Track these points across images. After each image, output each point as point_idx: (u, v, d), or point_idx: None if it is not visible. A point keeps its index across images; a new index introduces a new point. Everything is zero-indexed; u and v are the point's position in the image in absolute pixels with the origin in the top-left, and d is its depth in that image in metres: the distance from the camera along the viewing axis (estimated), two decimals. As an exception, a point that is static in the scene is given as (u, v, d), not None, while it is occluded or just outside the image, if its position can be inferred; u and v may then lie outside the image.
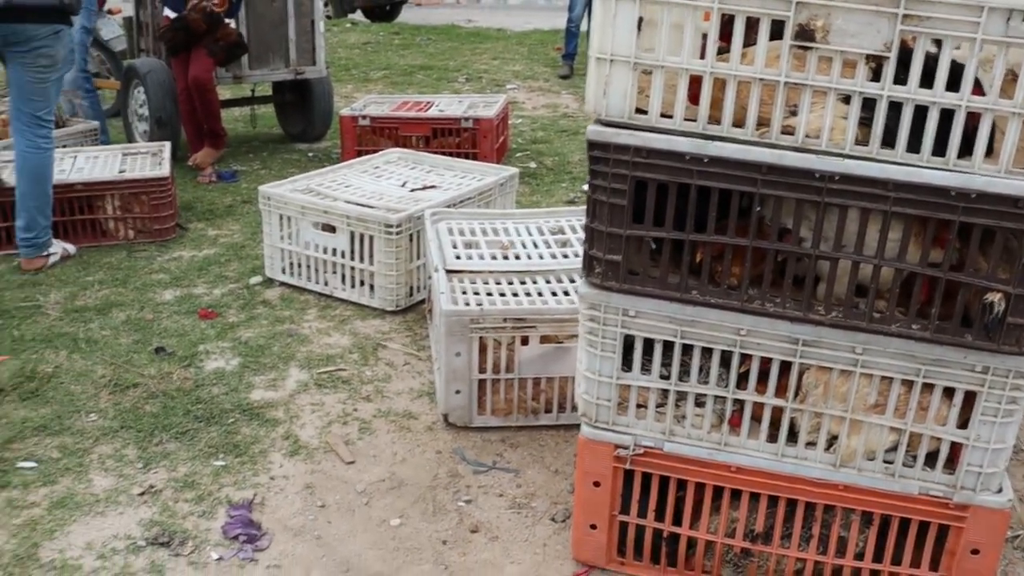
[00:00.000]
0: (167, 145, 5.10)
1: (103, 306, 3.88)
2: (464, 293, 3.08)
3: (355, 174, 4.38)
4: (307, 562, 2.42)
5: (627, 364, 2.21)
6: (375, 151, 5.68)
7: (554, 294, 3.11)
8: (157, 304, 3.92)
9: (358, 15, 14.68)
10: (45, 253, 4.29)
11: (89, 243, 4.57)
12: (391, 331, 3.68)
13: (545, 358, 2.96)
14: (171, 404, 3.11)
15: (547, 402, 3.02)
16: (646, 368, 2.21)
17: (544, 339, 2.95)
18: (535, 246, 3.50)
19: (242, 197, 5.40)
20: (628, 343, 2.19)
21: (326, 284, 3.95)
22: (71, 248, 4.44)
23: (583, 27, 9.26)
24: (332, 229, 3.83)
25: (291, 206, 3.93)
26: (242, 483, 2.72)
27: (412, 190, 4.13)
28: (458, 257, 3.33)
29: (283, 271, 4.07)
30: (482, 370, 2.95)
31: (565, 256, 3.41)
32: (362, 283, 3.86)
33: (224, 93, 6.94)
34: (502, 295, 3.11)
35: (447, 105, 6.15)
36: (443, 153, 5.52)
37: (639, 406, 2.24)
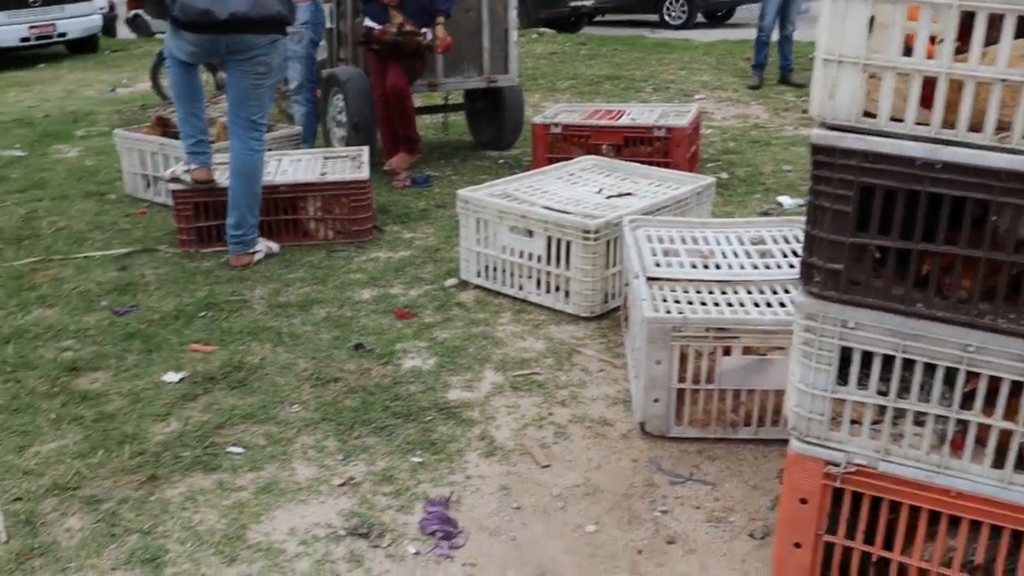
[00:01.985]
0: (366, 149, 5.24)
1: (304, 303, 4.00)
2: (664, 301, 3.02)
3: (551, 180, 4.38)
4: (502, 563, 2.40)
5: (843, 378, 2.10)
6: (566, 159, 5.68)
7: (756, 305, 3.01)
8: (355, 302, 4.01)
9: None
10: (252, 250, 4.46)
11: (291, 242, 4.73)
12: (585, 337, 3.65)
13: (747, 370, 2.87)
14: (370, 399, 3.17)
15: (747, 415, 2.92)
16: (863, 383, 2.09)
17: (746, 350, 2.86)
18: (735, 255, 3.40)
19: (435, 201, 5.49)
20: (845, 356, 2.09)
21: (520, 288, 3.96)
22: (275, 246, 4.61)
23: (773, 37, 9.06)
24: (529, 234, 3.84)
25: (488, 210, 3.95)
26: (439, 480, 2.74)
27: (608, 197, 4.09)
28: (657, 264, 3.27)
29: (478, 274, 4.10)
30: (681, 379, 2.88)
31: (767, 267, 3.30)
32: (557, 288, 3.84)
33: (416, 101, 7.10)
34: (703, 304, 3.03)
35: (639, 114, 6.09)
36: (635, 162, 5.47)
37: (853, 422, 2.13)
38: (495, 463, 2.83)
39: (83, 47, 14.88)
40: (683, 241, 3.52)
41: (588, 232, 3.65)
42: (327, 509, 2.61)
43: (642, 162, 5.46)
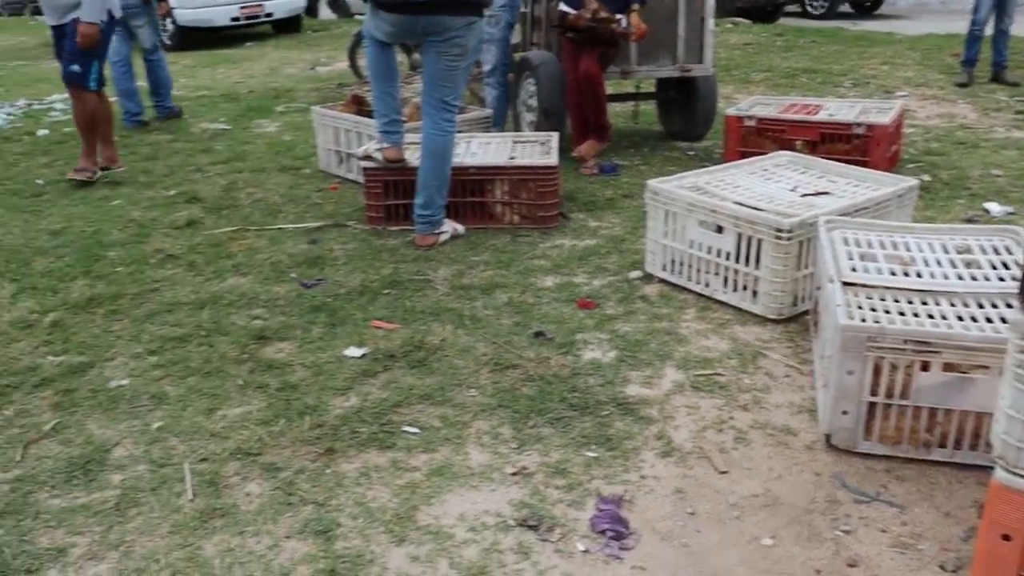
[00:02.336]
0: (555, 135, 5.21)
1: (487, 286, 4.00)
2: (860, 308, 2.86)
3: (743, 175, 4.24)
4: (673, 569, 2.32)
5: (1063, 406, 1.93)
6: (758, 153, 5.50)
7: (960, 319, 2.81)
8: (538, 289, 3.98)
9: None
10: (437, 231, 4.50)
11: (476, 225, 4.75)
12: (772, 340, 3.51)
13: (946, 387, 2.68)
14: (547, 389, 3.13)
15: (942, 436, 2.73)
16: (1088, 412, 1.91)
17: (947, 367, 2.67)
18: (938, 264, 3.19)
19: (623, 191, 5.41)
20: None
21: (707, 285, 3.84)
22: (460, 228, 4.64)
23: (987, 31, 8.54)
24: (719, 229, 3.72)
25: (678, 203, 3.85)
26: (612, 478, 2.67)
27: (803, 195, 3.92)
28: (854, 269, 3.10)
29: (663, 268, 4.01)
30: (874, 393, 2.72)
31: (973, 278, 3.08)
32: (745, 287, 3.71)
33: (607, 88, 7.03)
34: (901, 314, 2.85)
35: (837, 109, 5.84)
36: (831, 159, 5.24)
37: (1073, 455, 1.95)
38: (671, 464, 2.74)
39: (287, 27, 15.49)
40: (882, 246, 3.33)
41: (781, 231, 3.50)
42: (498, 497, 2.59)
43: (839, 160, 5.25)
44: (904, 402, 2.71)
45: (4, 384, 3.33)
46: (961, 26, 9.08)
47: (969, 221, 4.85)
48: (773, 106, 6.00)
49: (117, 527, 2.51)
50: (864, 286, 3.02)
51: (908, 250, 3.32)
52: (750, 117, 5.71)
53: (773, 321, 3.63)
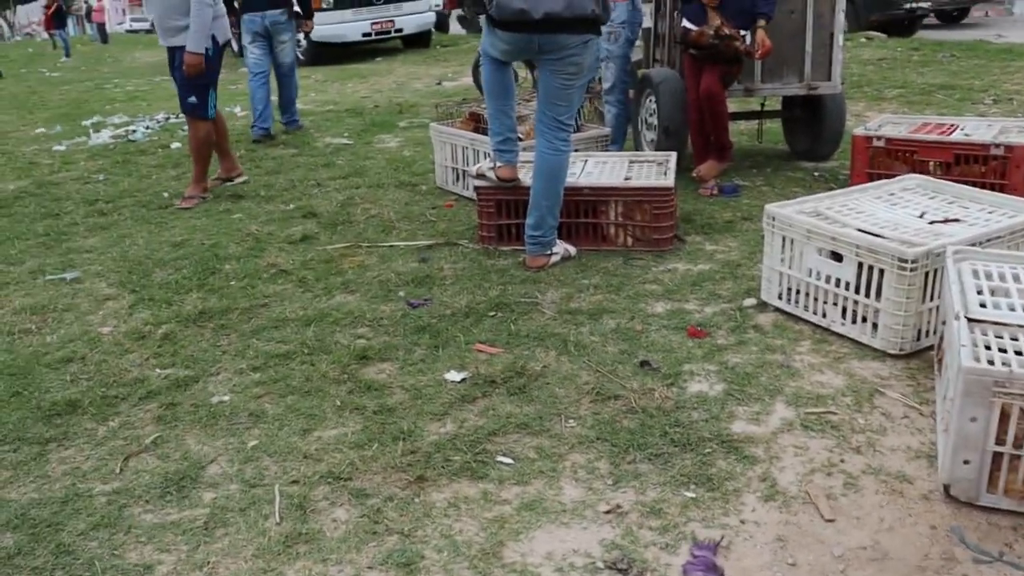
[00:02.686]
0: (673, 155, 5.07)
1: (595, 311, 3.91)
2: (988, 348, 2.66)
3: (868, 199, 4.03)
4: (772, 623, 2.19)
5: None
6: (888, 174, 5.27)
7: (1104, 365, 2.60)
8: (647, 315, 3.87)
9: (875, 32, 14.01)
10: (548, 252, 4.43)
11: (589, 246, 4.65)
12: (891, 377, 3.31)
13: (1083, 438, 2.47)
14: (649, 422, 3.01)
15: (1077, 492, 2.52)
16: None
17: (1084, 417, 2.46)
18: (1082, 303, 2.96)
19: (742, 213, 5.24)
20: None
21: (824, 316, 3.66)
22: (572, 250, 4.55)
23: None
24: (839, 258, 3.54)
25: (796, 228, 3.68)
26: (710, 521, 2.54)
27: (931, 222, 3.71)
28: (983, 305, 2.90)
29: (779, 296, 3.84)
30: (1000, 441, 2.52)
31: (1119, 319, 2.84)
32: (864, 319, 3.52)
33: (731, 105, 6.85)
34: (1034, 357, 2.65)
35: (974, 129, 5.54)
36: (965, 182, 4.97)
37: None
38: (774, 509, 2.59)
39: (417, 42, 15.71)
40: (1016, 279, 3.11)
41: (905, 261, 3.30)
42: (589, 536, 2.49)
43: (974, 183, 4.98)
44: (1034, 453, 2.51)
45: (113, 395, 3.40)
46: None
47: (1117, 251, 4.53)
48: (904, 125, 5.74)
49: (203, 547, 2.51)
50: (994, 323, 2.82)
51: (1047, 286, 3.09)
52: (879, 137, 5.47)
53: (893, 356, 3.42)
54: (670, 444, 2.89)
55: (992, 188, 5.01)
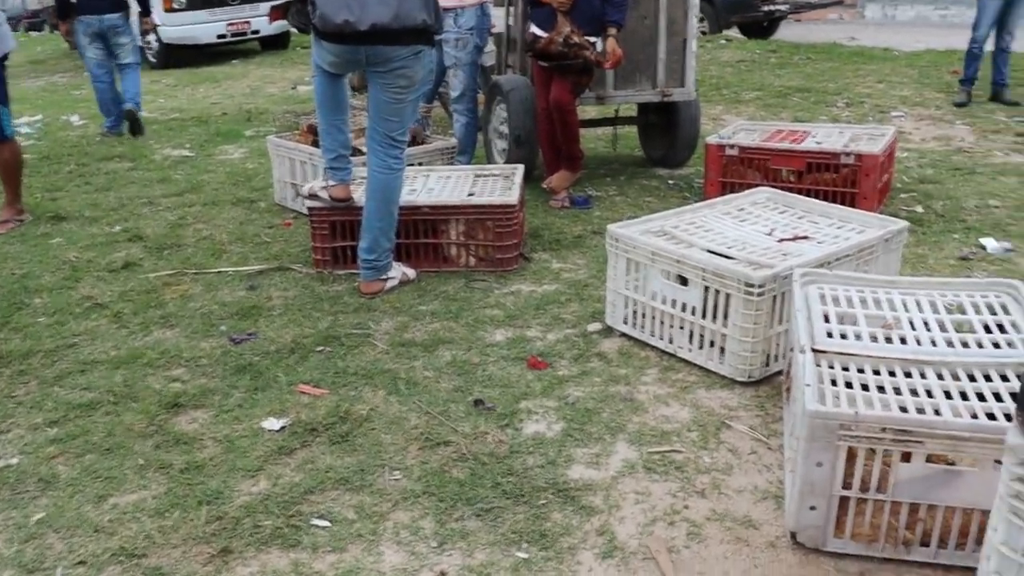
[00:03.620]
0: (520, 169, 4.84)
1: (431, 342, 3.64)
2: (834, 384, 2.50)
3: (716, 216, 3.87)
4: None
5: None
6: (741, 182, 5.18)
7: (948, 396, 2.45)
8: (486, 345, 3.61)
9: (734, 31, 14.10)
10: (384, 277, 4.14)
11: (429, 268, 4.38)
12: (739, 407, 3.14)
13: (929, 481, 2.31)
14: (480, 471, 2.76)
15: (924, 534, 2.36)
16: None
17: (931, 457, 2.30)
18: (926, 327, 2.82)
19: (593, 227, 5.03)
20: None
21: (671, 342, 3.47)
22: (411, 273, 4.27)
23: (987, 48, 8.17)
24: (684, 281, 3.35)
25: (640, 250, 3.49)
26: (544, 585, 2.31)
27: (780, 240, 3.56)
28: (830, 334, 2.74)
29: (625, 321, 3.64)
30: (846, 485, 2.35)
31: (964, 345, 2.71)
32: (712, 344, 3.34)
33: (589, 112, 6.68)
34: (881, 390, 2.49)
35: (825, 136, 5.48)
36: (818, 191, 4.89)
37: (1076, 600, 1.59)
38: (612, 568, 2.37)
39: (275, 43, 15.15)
40: (863, 303, 2.97)
41: (752, 285, 3.13)
42: (408, 612, 2.23)
43: (825, 192, 4.90)
44: (881, 496, 2.35)
45: None
46: (960, 42, 8.73)
47: (963, 259, 4.49)
48: (757, 133, 5.65)
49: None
50: (840, 354, 2.66)
51: (893, 308, 2.96)
52: (732, 145, 5.35)
53: (742, 384, 3.26)
54: (502, 496, 2.64)
55: (843, 196, 4.94)
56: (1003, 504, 1.61)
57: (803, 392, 2.39)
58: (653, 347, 3.54)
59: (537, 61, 5.34)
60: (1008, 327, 2.81)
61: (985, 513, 2.27)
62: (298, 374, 3.40)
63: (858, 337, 2.74)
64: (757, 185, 4.59)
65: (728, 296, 3.22)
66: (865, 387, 2.51)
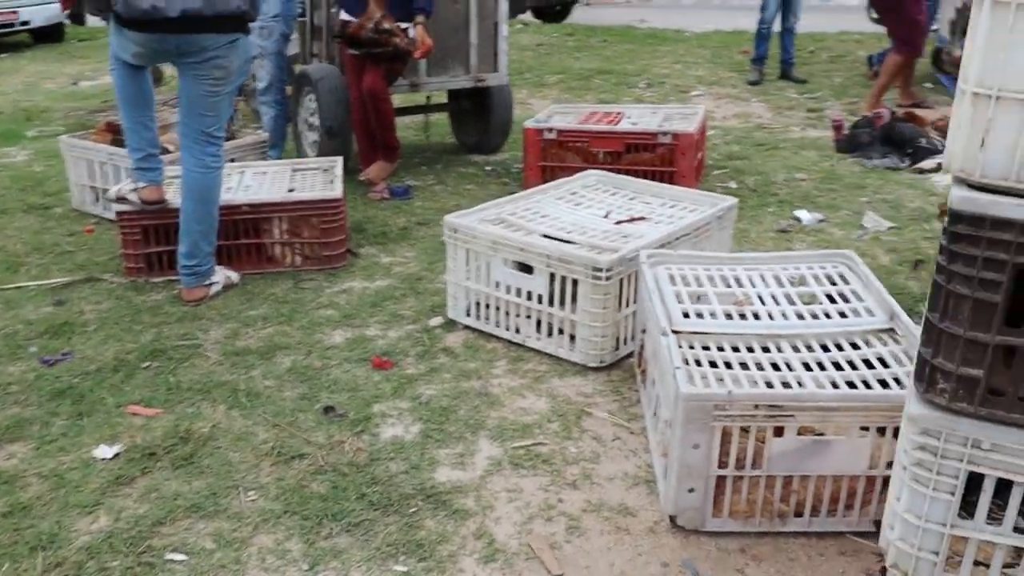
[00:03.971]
0: (339, 161, 4.67)
1: (266, 348, 3.44)
2: (699, 365, 2.49)
3: (550, 201, 3.83)
4: None
5: (967, 510, 1.59)
6: (560, 166, 5.18)
7: (807, 367, 2.50)
8: (326, 348, 3.45)
9: (528, 15, 14.23)
10: (207, 282, 3.89)
11: (253, 269, 4.16)
12: (595, 393, 3.11)
13: (801, 453, 2.35)
14: (342, 483, 2.61)
15: (798, 504, 2.40)
16: (995, 516, 1.58)
17: (802, 430, 2.33)
18: (775, 301, 2.87)
19: (417, 218, 4.92)
20: (972, 483, 1.57)
21: (518, 331, 3.41)
22: (234, 276, 4.04)
23: (775, 28, 8.55)
24: (528, 269, 3.29)
25: (480, 240, 3.40)
26: (427, 598, 2.20)
27: (618, 222, 3.55)
28: (686, 315, 2.73)
29: (467, 313, 3.55)
30: (722, 465, 2.35)
31: (814, 316, 2.77)
32: (561, 331, 3.30)
33: (398, 100, 6.53)
34: (744, 367, 2.51)
35: (639, 117, 5.55)
36: (636, 171, 4.94)
37: (977, 563, 1.62)
38: (496, 572, 2.28)
39: (48, 36, 14.19)
40: (712, 282, 2.99)
41: (599, 269, 3.10)
42: (285, 645, 2.07)
43: (645, 171, 4.96)
44: (757, 472, 2.36)
45: None
46: (747, 23, 9.07)
47: (782, 232, 4.64)
48: (573, 115, 5.66)
49: None
50: (700, 333, 2.66)
51: (740, 285, 2.99)
52: (550, 129, 5.34)
53: (594, 370, 3.23)
54: (369, 507, 2.51)
55: (662, 175, 5.01)
56: (905, 473, 1.62)
57: (674, 376, 2.36)
58: (500, 338, 3.47)
59: (347, 48, 5.16)
60: (850, 296, 2.89)
61: (853, 478, 2.33)
62: (126, 394, 3.14)
63: (713, 316, 2.75)
64: (577, 168, 4.58)
65: (575, 282, 3.18)
66: (728, 365, 2.53)
